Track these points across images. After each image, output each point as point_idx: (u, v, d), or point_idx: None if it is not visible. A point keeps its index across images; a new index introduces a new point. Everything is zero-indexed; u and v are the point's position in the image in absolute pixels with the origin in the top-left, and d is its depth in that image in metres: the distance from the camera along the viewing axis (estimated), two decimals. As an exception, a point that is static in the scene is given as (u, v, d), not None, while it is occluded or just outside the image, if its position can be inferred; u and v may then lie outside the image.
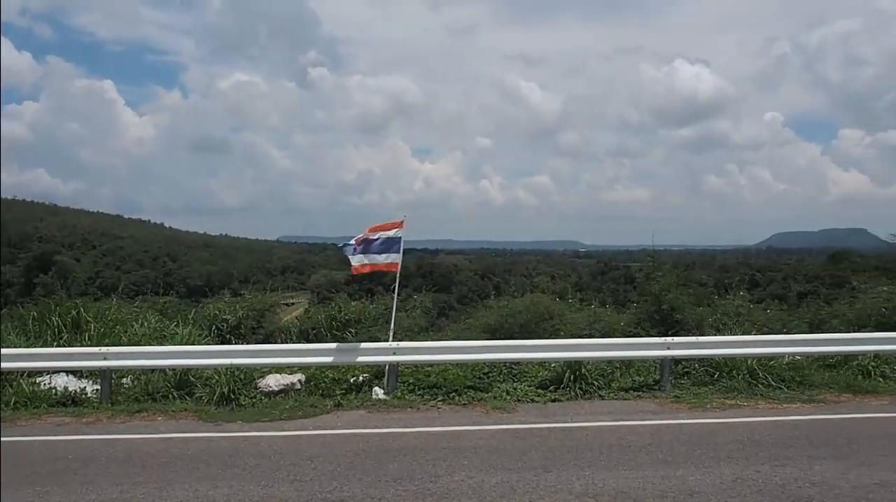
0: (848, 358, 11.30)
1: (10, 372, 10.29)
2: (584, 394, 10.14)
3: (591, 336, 12.33)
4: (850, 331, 12.80)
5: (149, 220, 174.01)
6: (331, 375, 10.75)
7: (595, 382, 10.38)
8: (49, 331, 11.90)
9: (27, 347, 11.01)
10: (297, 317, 18.06)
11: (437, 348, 10.56)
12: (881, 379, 10.72)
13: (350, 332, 13.09)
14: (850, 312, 14.90)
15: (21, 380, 10.40)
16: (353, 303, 14.45)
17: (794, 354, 10.97)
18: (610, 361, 10.99)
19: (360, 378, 10.70)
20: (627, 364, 11.30)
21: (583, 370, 10.41)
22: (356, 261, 10.47)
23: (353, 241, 10.50)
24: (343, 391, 10.29)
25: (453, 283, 79.07)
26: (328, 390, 10.34)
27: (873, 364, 11.06)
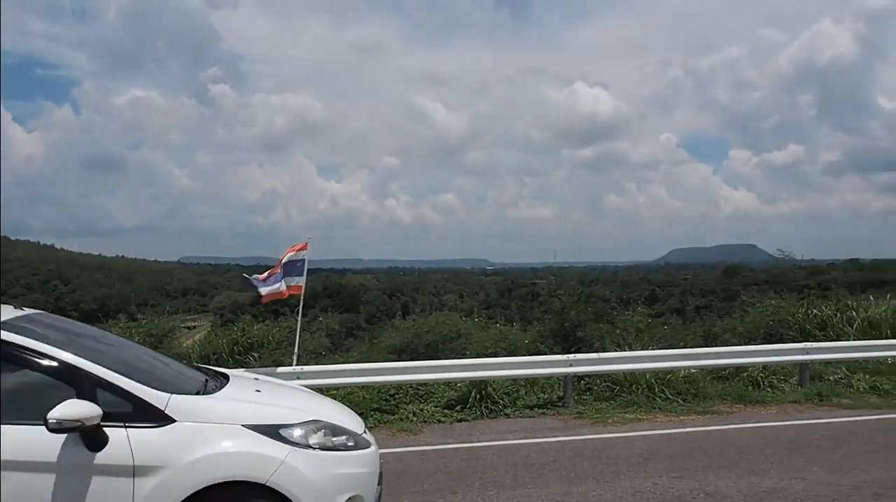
0: (739, 370, 11.87)
1: None
2: (490, 413, 10.20)
3: (496, 355, 12.47)
4: (741, 344, 13.50)
5: (38, 242, 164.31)
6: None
7: (501, 401, 10.48)
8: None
9: None
10: (198, 341, 17.40)
11: (343, 371, 10.38)
12: (769, 390, 11.29)
13: (253, 356, 12.70)
14: (740, 326, 15.72)
15: None
16: (256, 326, 14.06)
17: (689, 368, 11.41)
18: (515, 379, 11.11)
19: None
20: (532, 381, 11.47)
21: (489, 389, 10.48)
22: (264, 290, 10.21)
23: (257, 276, 10.25)
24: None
25: (361, 303, 78.33)
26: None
27: (762, 375, 11.65)
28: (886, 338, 13.16)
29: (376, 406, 10.17)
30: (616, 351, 12.11)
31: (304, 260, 10.50)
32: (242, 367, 11.57)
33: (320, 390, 10.35)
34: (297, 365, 10.26)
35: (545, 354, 12.10)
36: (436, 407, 10.39)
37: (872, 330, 14.12)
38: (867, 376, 11.81)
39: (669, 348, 12.29)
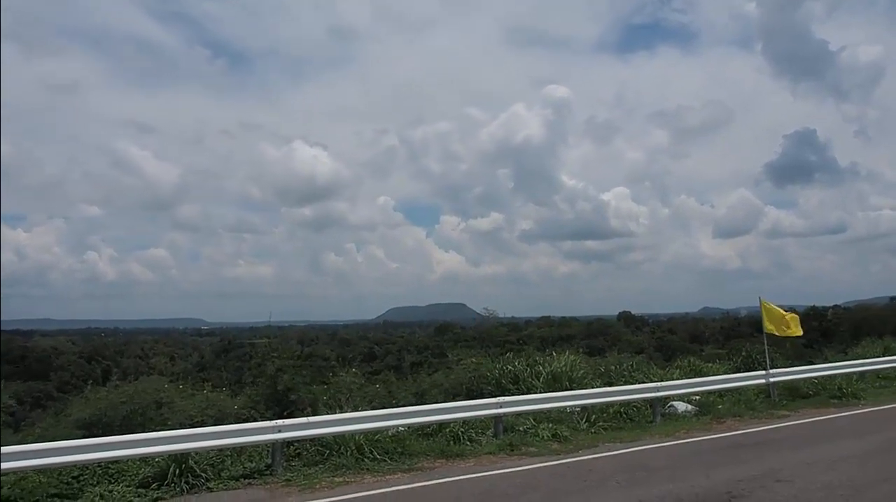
0: (443, 425, 12.52)
1: None
2: (192, 489, 9.57)
3: (202, 424, 11.80)
4: (446, 400, 14.30)
5: None
6: None
7: (203, 474, 9.87)
8: None
9: None
10: None
11: (12, 453, 8.97)
12: (468, 443, 12.05)
13: None
14: (446, 382, 16.70)
15: None
16: None
17: (397, 426, 11.79)
18: (220, 449, 10.56)
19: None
20: (239, 450, 10.99)
21: (190, 462, 9.83)
22: None
23: None
24: None
25: (52, 369, 69.46)
26: None
27: (462, 429, 12.41)
28: (566, 389, 14.83)
29: (55, 491, 9.02)
30: (327, 413, 12.12)
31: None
32: None
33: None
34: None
35: (256, 420, 11.73)
36: (128, 486, 9.49)
37: (555, 382, 15.83)
38: (550, 425, 13.15)
39: (380, 408, 12.61)
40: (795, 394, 16.60)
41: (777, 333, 16.48)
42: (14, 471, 9.03)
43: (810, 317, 60.06)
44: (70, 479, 9.37)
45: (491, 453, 11.55)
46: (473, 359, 17.51)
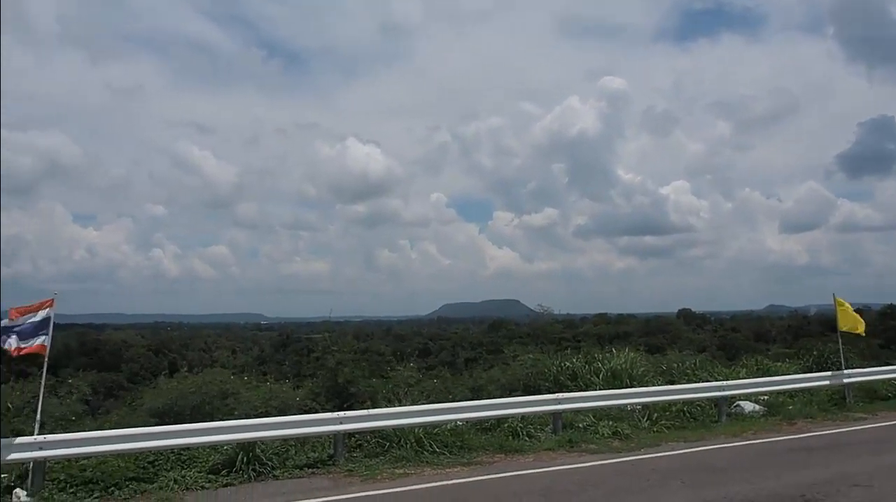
0: (501, 420, 12.56)
1: None
2: (258, 476, 9.85)
3: (267, 414, 12.11)
4: (503, 396, 14.32)
5: None
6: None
7: (269, 462, 10.16)
8: None
9: None
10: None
11: (94, 438, 9.44)
12: (527, 439, 12.07)
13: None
14: (503, 378, 16.71)
15: None
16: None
17: (456, 421, 11.89)
18: (285, 439, 10.83)
19: (1, 479, 9.13)
20: (303, 441, 11.25)
21: (256, 450, 10.11)
22: (22, 344, 9.11)
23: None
24: (-27, 498, 8.71)
25: (123, 361, 71.98)
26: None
27: (521, 425, 12.42)
28: (626, 386, 14.68)
29: (133, 475, 9.39)
30: (387, 406, 12.29)
31: (48, 317, 9.55)
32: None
33: (68, 461, 9.37)
34: (38, 434, 9.18)
35: (317, 412, 11.98)
36: (199, 472, 9.81)
37: (615, 379, 15.68)
38: (611, 422, 13.04)
39: (438, 402, 12.72)
40: (873, 396, 16.05)
41: (854, 332, 15.83)
42: (95, 455, 9.50)
43: (887, 315, 57.84)
44: (146, 464, 9.74)
45: (550, 449, 11.54)
46: (530, 356, 17.48)
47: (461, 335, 77.42)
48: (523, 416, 12.56)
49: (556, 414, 12.60)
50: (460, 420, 11.95)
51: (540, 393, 14.03)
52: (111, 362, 67.85)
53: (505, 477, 9.80)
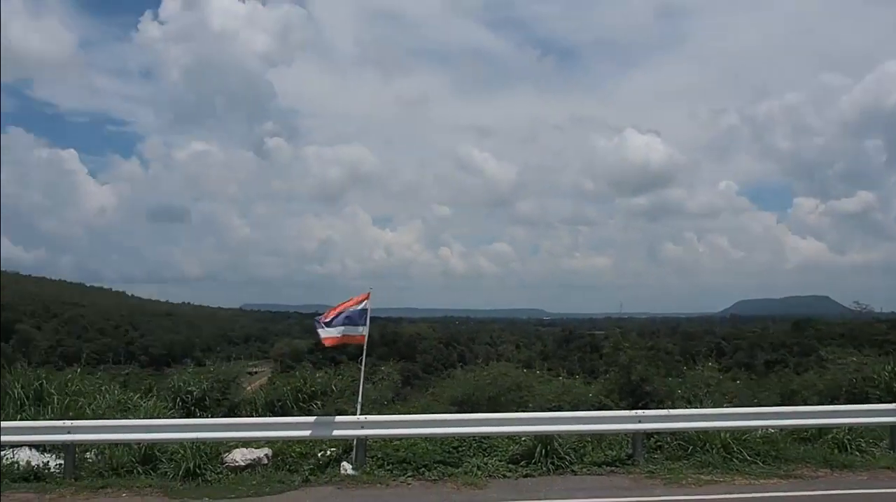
0: (822, 431, 11.15)
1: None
2: (557, 470, 9.84)
3: (560, 409, 12.11)
4: (822, 403, 12.74)
5: (110, 289, 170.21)
6: (298, 450, 10.41)
7: (567, 457, 10.09)
8: (11, 403, 11.44)
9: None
10: (261, 388, 17.56)
11: (407, 421, 10.23)
12: (857, 453, 10.54)
13: (316, 404, 12.72)
14: (820, 383, 14.92)
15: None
16: (318, 374, 14.12)
17: (768, 427, 10.80)
18: (581, 435, 10.70)
19: (328, 452, 10.29)
20: (599, 437, 11.02)
21: (554, 444, 10.11)
22: (325, 333, 10.26)
23: (320, 318, 10.34)
24: (311, 467, 9.92)
25: (417, 352, 78.34)
26: (295, 465, 10.01)
27: (849, 437, 10.90)
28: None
29: (440, 458, 9.93)
30: (687, 407, 11.59)
31: (366, 309, 10.51)
32: (306, 415, 11.63)
33: (384, 440, 10.23)
34: (360, 414, 10.15)
35: (610, 409, 11.70)
36: (500, 461, 10.08)
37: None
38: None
39: (743, 406, 11.70)
40: None
41: None
42: (406, 437, 10.25)
43: None
44: (450, 449, 10.25)
45: (888, 467, 9.95)
46: (854, 359, 15.34)
47: (760, 334, 71.72)
48: (851, 427, 11.01)
49: (893, 427, 10.86)
50: (773, 427, 10.82)
51: (869, 402, 12.26)
52: (407, 352, 73.93)
53: (832, 494, 8.68)
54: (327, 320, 10.28)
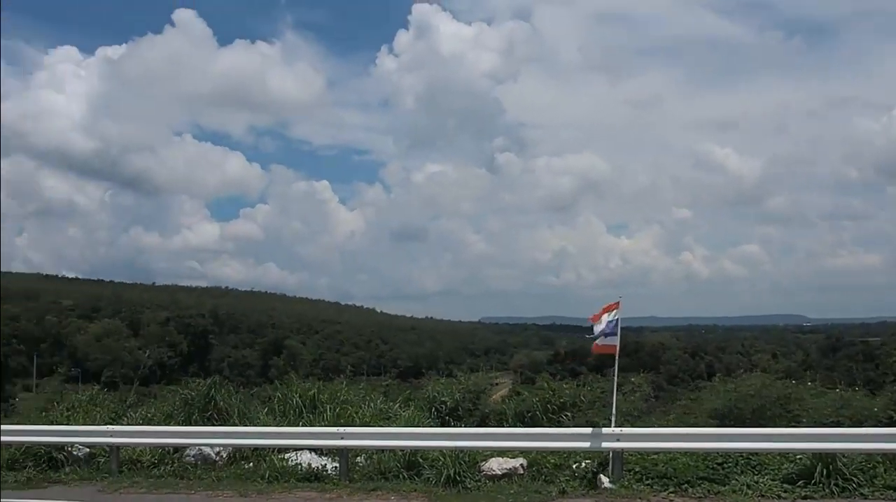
0: None
1: (263, 448, 11.40)
2: (843, 492, 8.80)
3: (839, 424, 10.86)
4: None
5: (362, 306, 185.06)
6: (552, 461, 10.43)
7: (854, 478, 9.00)
8: (291, 411, 12.77)
9: (274, 426, 12.14)
10: (504, 398, 17.95)
11: (665, 435, 9.80)
12: None
13: (566, 416, 12.67)
14: None
15: (273, 457, 11.20)
16: (565, 386, 14.10)
17: None
18: (869, 454, 9.49)
19: (583, 464, 10.18)
20: (891, 458, 9.71)
21: (838, 463, 9.07)
22: (600, 341, 10.25)
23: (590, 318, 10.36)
24: (566, 478, 9.90)
25: (661, 362, 75.40)
26: (551, 476, 10.04)
27: None
28: None
29: (703, 474, 9.36)
30: None
31: (617, 319, 10.28)
32: (556, 426, 11.64)
33: (640, 454, 9.89)
34: (615, 426, 9.91)
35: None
36: (772, 480, 9.24)
37: None
38: None
39: None
40: None
41: None
42: (664, 451, 9.80)
43: None
44: (715, 465, 9.61)
45: None
46: None
47: None
48: None
49: None
50: None
51: None
52: (650, 363, 71.70)
53: None
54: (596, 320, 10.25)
